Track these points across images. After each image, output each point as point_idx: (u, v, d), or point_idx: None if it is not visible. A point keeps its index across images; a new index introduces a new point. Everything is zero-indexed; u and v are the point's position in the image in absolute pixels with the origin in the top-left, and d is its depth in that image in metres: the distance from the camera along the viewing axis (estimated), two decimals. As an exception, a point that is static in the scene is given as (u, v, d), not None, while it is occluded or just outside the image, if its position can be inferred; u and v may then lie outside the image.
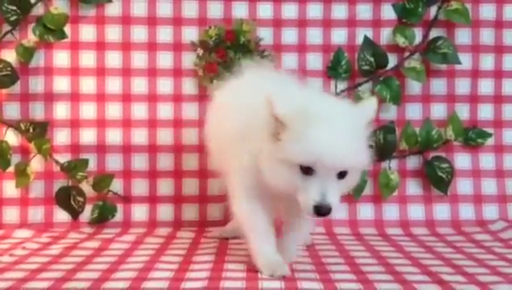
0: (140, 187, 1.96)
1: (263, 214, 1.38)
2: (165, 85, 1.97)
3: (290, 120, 1.21)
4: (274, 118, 1.23)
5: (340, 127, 1.21)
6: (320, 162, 1.20)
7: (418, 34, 1.97)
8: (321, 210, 1.21)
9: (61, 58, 1.95)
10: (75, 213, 1.93)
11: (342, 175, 1.23)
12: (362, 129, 1.26)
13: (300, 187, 1.23)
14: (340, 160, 1.21)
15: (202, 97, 1.96)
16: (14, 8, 1.90)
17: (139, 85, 1.97)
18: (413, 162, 2.00)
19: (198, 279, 1.31)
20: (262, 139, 1.27)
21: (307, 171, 1.21)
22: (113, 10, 1.96)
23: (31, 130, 1.91)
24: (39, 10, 1.93)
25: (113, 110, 1.97)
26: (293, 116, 1.21)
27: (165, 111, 1.98)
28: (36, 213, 1.93)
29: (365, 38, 1.96)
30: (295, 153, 1.21)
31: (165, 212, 1.95)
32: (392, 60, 1.97)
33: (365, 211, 1.96)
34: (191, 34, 1.96)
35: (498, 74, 2.01)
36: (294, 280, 1.30)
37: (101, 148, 1.96)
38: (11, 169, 1.92)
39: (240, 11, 1.97)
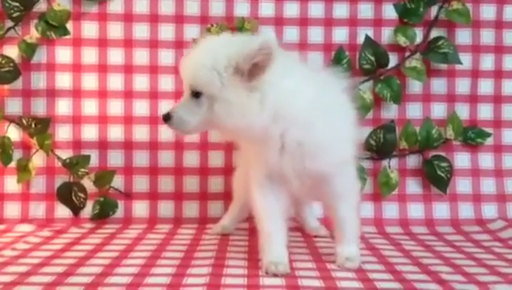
0: (141, 183, 1.97)
1: (276, 210, 1.40)
2: (166, 83, 1.98)
3: None
4: None
5: (197, 50, 1.34)
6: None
7: (419, 33, 1.98)
8: (163, 116, 1.36)
9: (63, 54, 1.96)
10: (76, 209, 1.94)
11: (196, 95, 1.31)
12: (224, 58, 1.27)
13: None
14: (183, 72, 1.35)
15: (203, 95, 1.97)
16: (17, 4, 1.91)
17: (141, 82, 1.98)
18: (413, 161, 2.01)
19: (199, 276, 1.32)
20: None
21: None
22: (115, 7, 1.97)
23: (33, 126, 1.92)
24: (41, 6, 1.94)
25: (115, 107, 1.97)
26: None
27: (166, 108, 1.94)
28: (37, 209, 1.94)
29: (367, 37, 1.97)
30: None
31: (166, 208, 1.96)
32: (393, 60, 1.98)
33: (365, 209, 1.96)
34: (193, 32, 1.97)
35: (498, 74, 2.02)
36: (294, 278, 1.32)
37: (103, 144, 1.97)
38: (13, 164, 1.93)
39: (242, 9, 1.98)
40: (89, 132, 1.97)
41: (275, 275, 1.32)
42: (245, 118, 1.28)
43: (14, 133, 1.95)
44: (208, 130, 1.56)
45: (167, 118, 1.35)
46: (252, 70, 1.26)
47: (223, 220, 1.82)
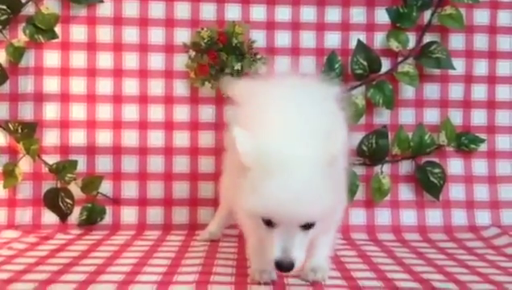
0: (130, 189, 1.94)
1: None
2: (156, 87, 1.96)
3: (250, 165, 1.13)
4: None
5: (298, 175, 1.10)
6: (276, 217, 1.12)
7: (411, 38, 1.97)
8: (282, 266, 1.13)
9: (51, 58, 1.93)
10: (63, 215, 1.91)
11: (308, 226, 1.14)
12: (325, 168, 1.13)
13: (265, 237, 1.15)
14: (298, 214, 1.12)
15: (193, 99, 1.95)
16: (4, 7, 1.88)
17: (130, 87, 1.95)
18: (405, 167, 1.99)
19: (185, 283, 1.29)
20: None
21: (268, 223, 1.13)
22: (104, 10, 1.94)
23: (20, 131, 1.89)
24: (29, 9, 1.91)
25: (104, 112, 1.95)
26: (252, 161, 1.13)
27: (156, 113, 1.96)
28: (24, 215, 1.90)
29: (359, 42, 1.95)
30: (250, 205, 1.14)
31: (155, 215, 1.94)
32: (385, 65, 1.96)
33: (357, 216, 1.95)
34: (183, 35, 1.95)
35: (492, 80, 2.00)
36: (282, 285, 1.29)
37: (91, 150, 1.94)
38: (-1, 170, 1.90)
39: (233, 13, 1.95)
40: (77, 137, 1.94)
41: (259, 283, 1.29)
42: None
43: (0, 138, 1.92)
44: None
45: (291, 268, 1.13)
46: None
47: (210, 226, 1.80)
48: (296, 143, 1.14)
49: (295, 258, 1.13)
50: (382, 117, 1.98)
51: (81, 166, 1.93)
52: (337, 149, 1.16)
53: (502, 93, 2.01)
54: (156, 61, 1.95)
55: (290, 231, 1.12)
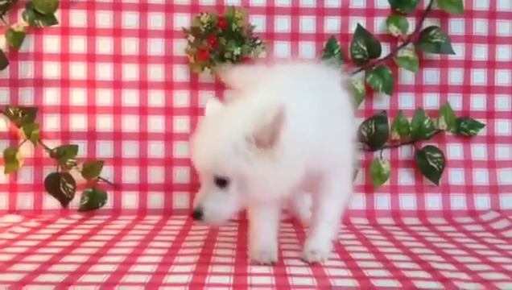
0: (130, 174, 1.95)
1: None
2: (156, 72, 1.96)
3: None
4: None
5: (211, 135, 1.22)
6: (196, 167, 1.26)
7: (411, 23, 1.96)
8: (193, 214, 1.23)
9: (51, 43, 1.94)
10: (64, 200, 1.91)
11: (221, 183, 1.21)
12: (243, 139, 1.20)
13: None
14: (201, 163, 1.24)
15: (193, 85, 1.96)
16: (4, -8, 1.88)
17: (130, 72, 1.96)
18: (405, 152, 1.99)
19: (186, 264, 1.30)
20: None
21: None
22: (104, -5, 1.94)
23: (20, 116, 1.89)
24: (29, -6, 1.91)
25: (104, 97, 1.95)
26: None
27: (156, 98, 1.96)
28: (25, 200, 1.91)
29: (358, 27, 1.95)
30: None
31: (155, 200, 1.94)
32: (385, 50, 1.96)
33: (357, 201, 1.95)
34: (182, 20, 1.95)
35: (491, 65, 2.00)
36: (283, 266, 1.30)
37: (92, 135, 1.95)
38: (0, 155, 1.90)
39: (232, -2, 1.96)
40: (78, 122, 1.94)
41: (259, 264, 1.30)
42: (284, 182, 1.23)
43: (0, 123, 1.92)
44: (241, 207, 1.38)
45: (198, 216, 1.23)
46: (271, 138, 1.19)
47: None
48: (226, 113, 1.27)
49: (205, 208, 1.22)
50: (382, 102, 1.98)
51: (82, 151, 1.93)
52: (261, 131, 1.19)
53: (502, 78, 2.01)
54: (156, 46, 1.95)
55: (207, 185, 1.23)
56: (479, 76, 2.00)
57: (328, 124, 1.30)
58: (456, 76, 2.00)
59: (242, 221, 1.73)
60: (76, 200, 1.92)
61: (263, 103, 1.22)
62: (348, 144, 1.41)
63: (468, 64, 2.00)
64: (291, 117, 1.19)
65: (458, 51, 1.97)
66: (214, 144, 1.21)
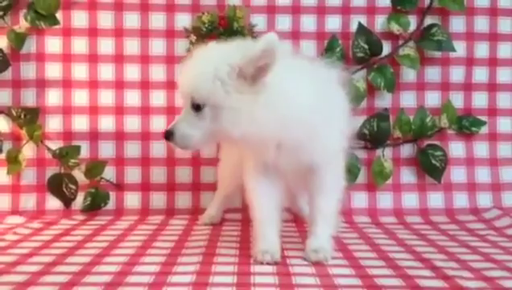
0: (133, 174, 1.95)
1: (271, 196, 1.38)
2: (157, 72, 1.96)
3: None
4: None
5: (194, 62, 1.28)
6: (178, 88, 1.31)
7: (412, 21, 1.97)
8: (164, 133, 1.29)
9: (53, 44, 1.94)
10: (67, 201, 1.92)
11: (197, 108, 1.25)
12: (225, 66, 1.22)
13: None
14: (182, 85, 1.29)
15: (195, 84, 1.96)
16: (6, -7, 1.88)
17: (132, 72, 1.96)
18: (407, 150, 1.99)
19: (189, 264, 1.30)
20: None
21: None
22: (105, -4, 1.95)
23: (23, 117, 1.90)
24: (30, -5, 1.91)
25: (106, 97, 1.95)
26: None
27: (158, 98, 1.96)
28: (28, 201, 1.91)
29: (360, 25, 1.95)
30: None
31: (158, 199, 1.94)
32: (386, 48, 1.97)
33: (359, 199, 1.96)
34: (184, 20, 1.95)
35: (493, 62, 2.00)
36: (286, 265, 1.30)
37: (94, 135, 1.95)
38: (3, 156, 1.91)
39: (233, -3, 1.96)
40: (80, 123, 1.95)
41: (262, 263, 1.30)
42: (254, 124, 1.23)
43: (3, 124, 1.92)
44: (213, 142, 1.48)
45: (168, 135, 1.28)
46: (255, 74, 1.21)
47: (210, 210, 1.81)
48: (218, 46, 1.31)
49: (177, 129, 1.27)
50: (384, 100, 1.99)
51: (84, 151, 1.93)
52: (246, 62, 1.22)
53: (503, 75, 2.01)
54: (157, 46, 1.96)
55: (184, 110, 1.28)
56: (481, 74, 2.00)
57: (324, 111, 1.31)
58: (457, 74, 2.00)
59: (245, 220, 1.74)
60: (79, 201, 1.92)
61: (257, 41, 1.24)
62: (342, 139, 1.41)
63: (469, 62, 2.00)
64: (289, 84, 1.24)
65: (459, 48, 1.97)
66: (196, 69, 1.26)
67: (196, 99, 1.25)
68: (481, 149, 2.00)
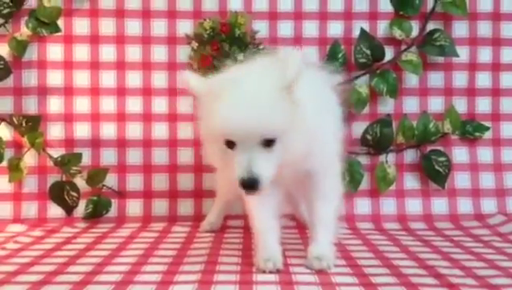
0: (135, 182, 1.95)
1: (269, 203, 1.37)
2: (159, 79, 1.95)
3: (201, 96, 1.20)
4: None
5: (248, 94, 1.15)
6: (233, 133, 1.15)
7: (415, 26, 1.96)
8: (247, 184, 1.14)
9: (54, 51, 1.93)
10: (69, 208, 1.91)
11: (268, 143, 1.16)
12: (278, 90, 1.16)
13: (231, 162, 1.17)
14: (250, 128, 1.14)
15: (197, 91, 1.95)
16: (7, 1, 1.88)
17: (133, 79, 1.95)
18: (410, 155, 1.98)
19: (191, 273, 1.29)
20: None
21: (230, 145, 1.17)
22: (106, 2, 1.94)
23: (24, 124, 1.89)
24: (31, 2, 1.91)
25: (108, 104, 1.95)
26: (203, 91, 1.20)
27: (160, 105, 1.96)
28: (30, 209, 1.91)
29: (362, 30, 1.95)
30: (209, 129, 1.19)
31: (160, 207, 1.94)
32: (389, 53, 1.96)
33: (362, 205, 1.94)
34: (185, 27, 1.95)
35: (496, 67, 1.99)
36: (288, 273, 1.29)
37: (95, 142, 1.94)
38: (4, 164, 1.90)
39: (235, 4, 1.95)
40: (82, 130, 1.94)
41: (264, 272, 1.29)
42: (306, 139, 1.21)
43: (5, 132, 1.92)
44: None
45: (254, 185, 1.15)
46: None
47: (210, 217, 1.80)
48: (247, 72, 1.23)
49: (259, 175, 1.15)
50: (386, 105, 1.98)
51: (86, 159, 1.93)
52: (292, 73, 1.17)
53: (507, 80, 2.00)
54: (159, 53, 1.95)
55: (251, 149, 1.15)
56: (484, 79, 1.99)
57: (321, 115, 1.29)
58: (460, 79, 1.99)
59: (246, 227, 1.73)
60: (81, 209, 1.91)
61: (274, 59, 1.21)
62: (337, 144, 1.40)
63: (472, 67, 1.99)
64: (303, 95, 1.19)
65: (462, 53, 1.96)
66: (262, 107, 1.14)
67: (267, 135, 1.15)
68: (484, 154, 1.99)
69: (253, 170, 1.14)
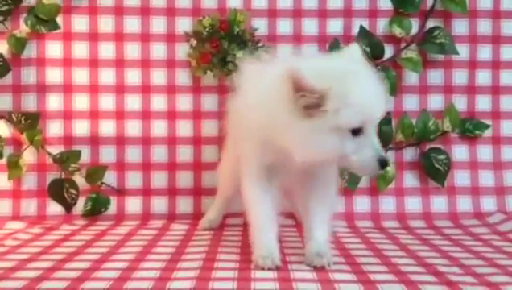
0: (134, 179, 1.94)
1: (268, 201, 1.37)
2: (158, 76, 1.95)
3: (329, 89, 1.19)
4: (308, 92, 1.19)
5: (374, 83, 1.26)
6: (371, 119, 1.25)
7: (414, 24, 1.95)
8: (385, 161, 1.25)
9: (53, 49, 1.93)
10: (68, 206, 1.91)
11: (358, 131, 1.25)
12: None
13: (353, 149, 1.23)
14: (383, 112, 1.30)
15: (196, 88, 1.95)
16: (6, -2, 1.88)
17: (133, 76, 1.95)
18: (410, 154, 1.98)
19: (189, 269, 1.29)
20: (281, 119, 1.23)
21: (357, 132, 1.23)
22: (105, 0, 1.93)
23: (23, 122, 1.89)
24: (30, 0, 1.90)
25: (107, 102, 1.95)
26: (329, 84, 1.19)
27: (159, 102, 1.96)
28: (29, 206, 1.91)
29: (361, 28, 1.94)
30: (347, 118, 1.20)
31: (159, 204, 1.94)
32: (388, 51, 1.95)
33: (362, 204, 1.94)
34: (184, 24, 1.94)
35: (496, 65, 1.99)
36: (287, 270, 1.29)
37: (94, 140, 1.94)
38: (3, 161, 1.90)
39: (234, 1, 1.95)
40: (81, 127, 1.94)
41: (263, 269, 1.28)
42: None
43: (4, 129, 1.92)
44: None
45: (388, 162, 1.29)
46: None
47: (209, 214, 1.80)
48: (348, 63, 1.30)
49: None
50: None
51: (85, 156, 1.93)
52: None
53: (506, 78, 1.99)
54: (158, 50, 1.95)
55: (373, 133, 1.27)
56: (484, 77, 1.99)
57: None
58: (460, 77, 1.99)
59: (245, 225, 1.72)
60: (80, 206, 1.91)
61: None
62: None
63: (472, 65, 1.98)
64: None
65: (462, 51, 1.96)
66: (380, 90, 1.28)
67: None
68: (484, 152, 1.98)
69: (382, 150, 1.27)
